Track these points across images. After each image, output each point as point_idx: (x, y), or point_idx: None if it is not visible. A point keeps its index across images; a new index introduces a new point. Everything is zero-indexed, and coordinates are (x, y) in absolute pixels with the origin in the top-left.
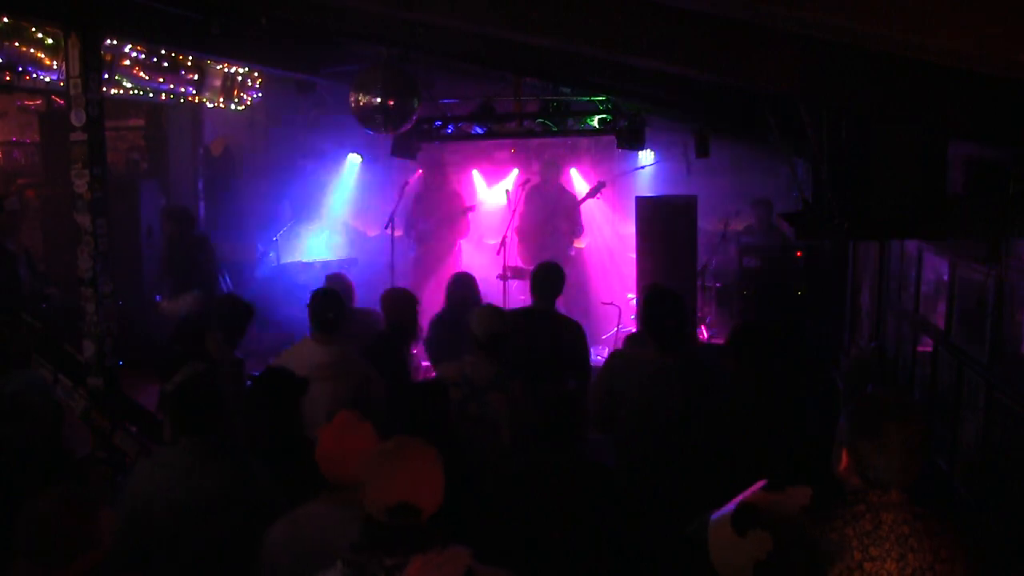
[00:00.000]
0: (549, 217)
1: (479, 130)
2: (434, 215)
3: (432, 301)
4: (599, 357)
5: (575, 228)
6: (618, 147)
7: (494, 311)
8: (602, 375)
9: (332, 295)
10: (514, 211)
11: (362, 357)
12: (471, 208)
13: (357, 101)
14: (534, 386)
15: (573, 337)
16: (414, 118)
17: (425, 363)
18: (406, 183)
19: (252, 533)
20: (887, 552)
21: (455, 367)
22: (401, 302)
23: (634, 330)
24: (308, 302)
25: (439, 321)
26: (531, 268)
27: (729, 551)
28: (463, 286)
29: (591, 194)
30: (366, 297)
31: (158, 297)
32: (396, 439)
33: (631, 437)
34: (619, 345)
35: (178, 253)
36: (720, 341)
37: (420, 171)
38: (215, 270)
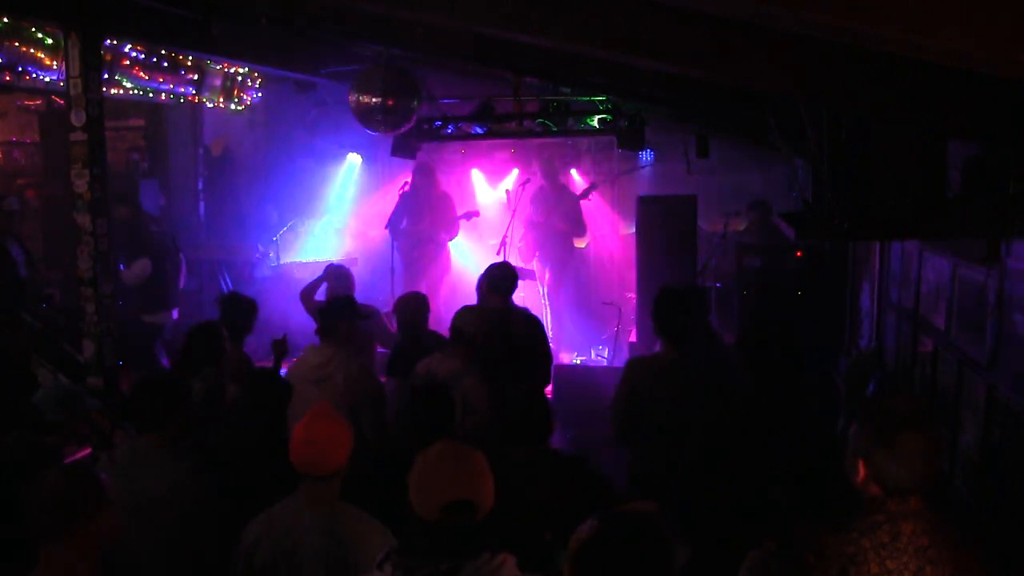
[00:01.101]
0: (551, 217)
1: (479, 130)
2: (423, 217)
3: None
4: (599, 357)
5: (577, 228)
6: (618, 147)
7: (467, 310)
8: (622, 385)
9: (333, 301)
10: (514, 211)
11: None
12: (475, 214)
13: (357, 101)
14: (496, 383)
15: (532, 331)
16: (414, 118)
17: None
18: (405, 183)
19: (188, 535)
20: (904, 565)
21: (426, 362)
22: (413, 307)
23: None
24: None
25: None
26: (531, 268)
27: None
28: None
29: (584, 195)
30: (367, 296)
31: (121, 267)
32: (441, 443)
33: (649, 436)
34: (621, 345)
35: (133, 228)
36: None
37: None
38: (170, 240)
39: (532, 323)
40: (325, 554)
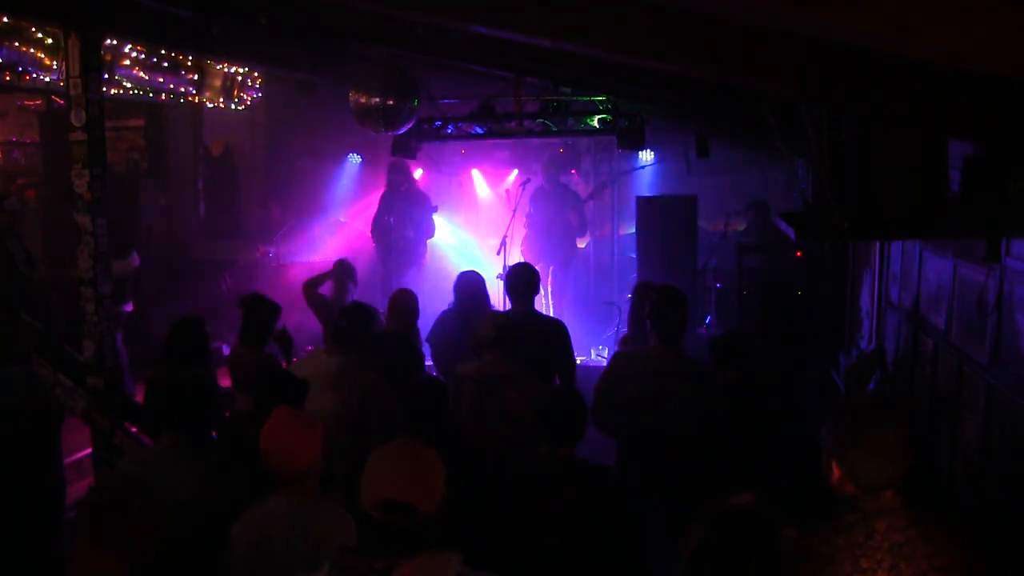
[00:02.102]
0: (555, 217)
1: (479, 130)
2: (394, 214)
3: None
4: (599, 357)
5: (580, 227)
6: (618, 147)
7: (502, 312)
8: (606, 374)
9: (354, 308)
10: (514, 211)
11: (369, 366)
12: (434, 208)
13: (357, 101)
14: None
15: (557, 337)
16: (414, 118)
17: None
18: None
19: (226, 529)
20: (879, 563)
21: (475, 364)
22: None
23: (625, 331)
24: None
25: (446, 317)
26: (521, 264)
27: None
28: (471, 285)
29: (593, 194)
30: (366, 296)
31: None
32: (398, 439)
33: (635, 432)
34: (617, 346)
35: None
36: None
37: (421, 170)
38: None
39: (551, 330)
40: (295, 548)
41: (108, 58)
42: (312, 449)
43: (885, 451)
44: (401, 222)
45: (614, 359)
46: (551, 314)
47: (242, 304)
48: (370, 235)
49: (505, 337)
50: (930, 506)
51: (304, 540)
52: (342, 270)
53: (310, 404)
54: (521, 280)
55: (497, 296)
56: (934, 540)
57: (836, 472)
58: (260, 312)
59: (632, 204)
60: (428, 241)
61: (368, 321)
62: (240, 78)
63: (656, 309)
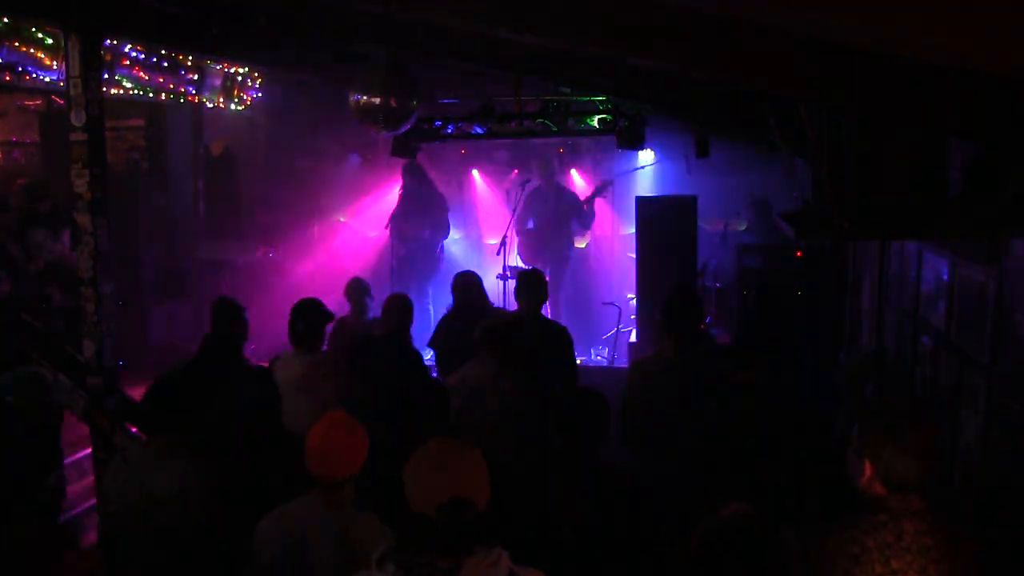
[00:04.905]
0: (551, 218)
1: (479, 130)
2: (411, 216)
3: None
4: (599, 357)
5: (580, 228)
6: (618, 147)
7: (497, 312)
8: (628, 389)
9: (304, 306)
10: (514, 211)
11: (343, 362)
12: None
13: (357, 101)
14: (527, 387)
15: (561, 341)
16: (414, 118)
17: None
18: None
19: (192, 537)
20: (908, 564)
21: (458, 375)
22: (403, 305)
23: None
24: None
25: (446, 321)
26: (532, 268)
27: None
28: (468, 285)
29: (597, 192)
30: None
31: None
32: (436, 440)
33: (656, 434)
34: (621, 345)
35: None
36: (720, 341)
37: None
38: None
39: (555, 334)
40: (336, 556)
41: (108, 58)
42: (360, 457)
43: (918, 451)
44: (418, 223)
45: (631, 369)
46: (548, 315)
47: (212, 306)
48: (388, 235)
49: (494, 338)
50: (946, 508)
51: (348, 549)
52: (357, 288)
53: (286, 406)
54: (528, 284)
55: (497, 296)
56: (957, 544)
57: (867, 471)
58: (227, 314)
59: (632, 204)
60: (444, 242)
61: (322, 316)
62: (240, 78)
63: (673, 311)
